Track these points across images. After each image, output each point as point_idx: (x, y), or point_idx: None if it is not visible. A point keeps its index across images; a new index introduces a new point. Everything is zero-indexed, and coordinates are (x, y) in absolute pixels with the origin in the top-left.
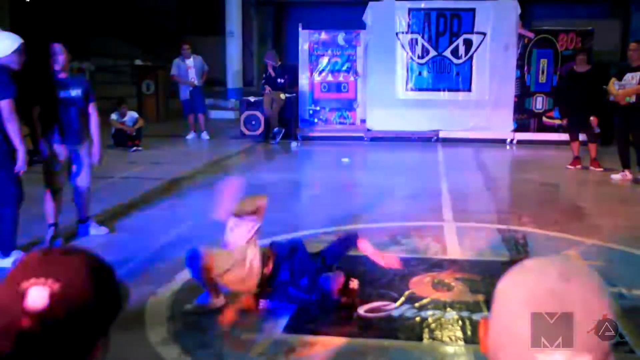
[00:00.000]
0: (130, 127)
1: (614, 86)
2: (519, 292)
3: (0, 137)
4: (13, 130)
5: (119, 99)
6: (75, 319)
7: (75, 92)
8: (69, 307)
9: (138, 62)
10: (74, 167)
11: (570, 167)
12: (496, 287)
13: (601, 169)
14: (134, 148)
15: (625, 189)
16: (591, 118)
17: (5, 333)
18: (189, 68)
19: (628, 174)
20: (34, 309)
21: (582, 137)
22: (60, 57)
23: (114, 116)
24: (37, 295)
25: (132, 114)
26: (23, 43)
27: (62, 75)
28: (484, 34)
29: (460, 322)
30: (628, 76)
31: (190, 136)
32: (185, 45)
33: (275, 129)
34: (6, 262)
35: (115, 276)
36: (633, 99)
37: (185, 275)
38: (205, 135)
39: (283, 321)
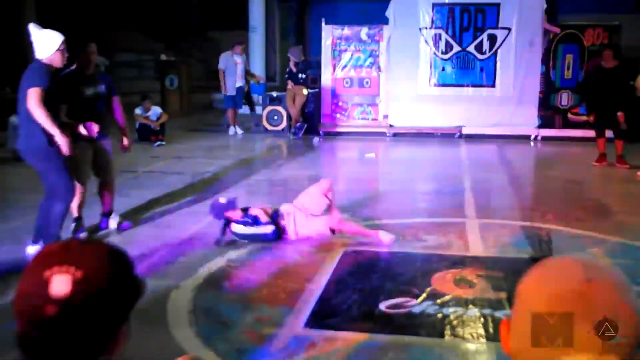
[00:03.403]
0: (154, 122)
1: None
2: (542, 293)
3: (41, 131)
4: (41, 118)
5: (143, 93)
6: (97, 306)
7: (100, 88)
8: (91, 293)
9: (163, 57)
10: (99, 161)
11: (596, 164)
12: (518, 287)
13: (627, 167)
14: (158, 143)
15: None
16: (618, 113)
17: (31, 320)
18: (238, 64)
19: None
20: (58, 296)
21: (608, 133)
22: (92, 56)
23: (138, 111)
24: (61, 283)
25: (155, 109)
26: (64, 40)
27: (89, 72)
28: (509, 29)
29: (482, 320)
30: None
31: (232, 131)
32: (242, 45)
33: (298, 125)
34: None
35: (133, 265)
36: None
37: (207, 268)
38: (239, 129)
39: (304, 316)
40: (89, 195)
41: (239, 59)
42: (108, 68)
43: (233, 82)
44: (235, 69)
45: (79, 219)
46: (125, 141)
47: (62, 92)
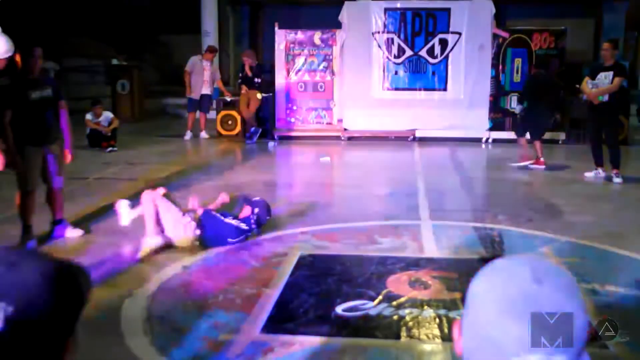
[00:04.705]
0: (105, 128)
1: (587, 85)
2: (492, 296)
3: None
4: None
5: (94, 99)
6: (36, 334)
7: (46, 92)
8: (27, 325)
9: (114, 61)
10: (47, 168)
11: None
12: (468, 289)
13: (544, 167)
14: (109, 148)
15: (598, 186)
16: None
17: None
18: (205, 70)
19: (601, 172)
20: None
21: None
22: (39, 61)
23: (88, 116)
24: None
25: (107, 114)
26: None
27: (34, 77)
28: (460, 34)
29: (437, 320)
30: (601, 75)
31: (188, 136)
32: (215, 52)
33: (252, 129)
34: None
35: (73, 274)
36: (606, 97)
37: (161, 275)
38: (204, 134)
39: (261, 321)
40: (37, 203)
41: (207, 65)
42: (58, 73)
43: (197, 85)
44: (202, 74)
45: (28, 228)
46: (67, 150)
47: (6, 97)
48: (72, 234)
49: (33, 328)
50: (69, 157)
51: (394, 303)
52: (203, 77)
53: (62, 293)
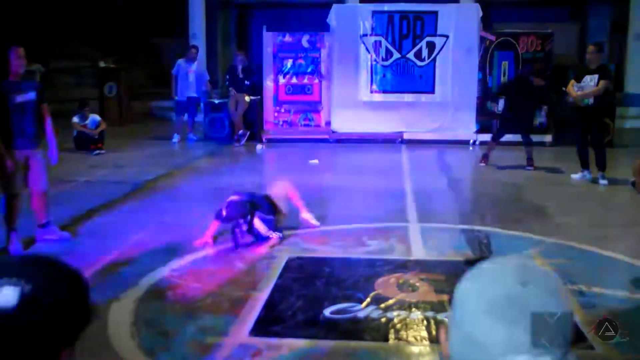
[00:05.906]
0: (92, 130)
1: (573, 88)
2: (478, 299)
3: None
4: None
5: (81, 101)
6: (42, 324)
7: (29, 95)
8: (38, 310)
9: (102, 64)
10: (31, 171)
11: (481, 164)
12: (455, 293)
13: (534, 168)
14: (97, 151)
15: (584, 188)
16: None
17: None
18: (190, 72)
19: (587, 174)
20: (2, 308)
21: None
22: (22, 61)
23: (75, 119)
24: (7, 294)
25: (94, 117)
26: None
27: (16, 79)
28: (447, 37)
29: (425, 322)
30: (587, 78)
31: (176, 139)
32: (193, 49)
33: (240, 132)
34: None
35: (88, 290)
36: (591, 100)
37: (149, 279)
38: (192, 137)
39: (249, 324)
40: (23, 206)
41: (192, 68)
42: (45, 75)
43: (182, 88)
44: (186, 76)
45: (13, 231)
46: (52, 155)
47: None
48: (59, 237)
49: (41, 315)
50: (54, 161)
51: (382, 305)
52: (189, 79)
53: (77, 298)
